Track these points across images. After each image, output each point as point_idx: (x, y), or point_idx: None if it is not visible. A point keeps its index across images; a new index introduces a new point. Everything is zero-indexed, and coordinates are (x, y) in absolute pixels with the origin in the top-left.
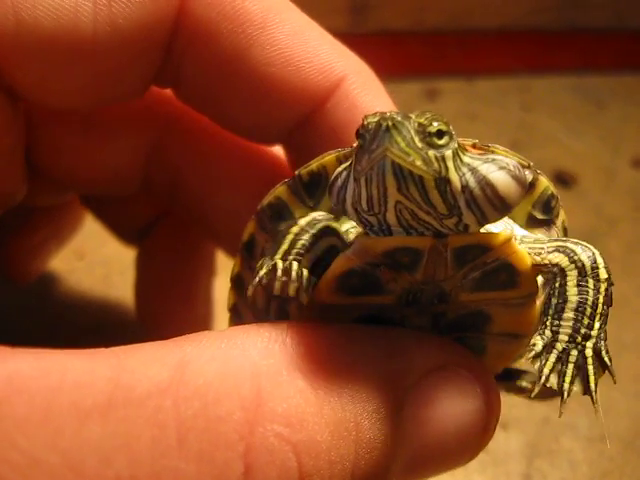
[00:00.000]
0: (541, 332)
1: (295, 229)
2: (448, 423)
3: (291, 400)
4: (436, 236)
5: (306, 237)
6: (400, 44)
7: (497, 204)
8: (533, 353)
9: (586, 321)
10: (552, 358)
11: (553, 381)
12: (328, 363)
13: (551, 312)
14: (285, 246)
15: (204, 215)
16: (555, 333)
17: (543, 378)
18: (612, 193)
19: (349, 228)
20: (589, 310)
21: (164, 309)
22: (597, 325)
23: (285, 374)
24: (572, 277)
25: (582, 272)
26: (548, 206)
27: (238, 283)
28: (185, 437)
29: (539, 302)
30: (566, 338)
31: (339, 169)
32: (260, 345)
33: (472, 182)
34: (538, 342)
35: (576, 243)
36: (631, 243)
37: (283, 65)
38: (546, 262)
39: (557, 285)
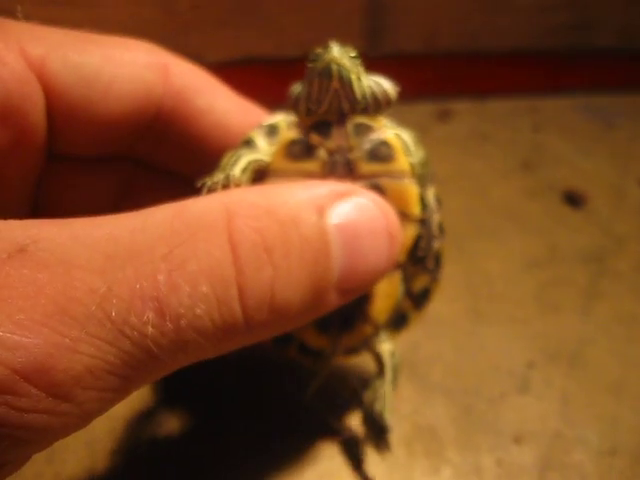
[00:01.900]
0: None
1: (229, 152)
2: (361, 230)
3: (248, 208)
4: (340, 116)
5: (235, 153)
6: (413, 67)
7: (385, 99)
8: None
9: None
10: None
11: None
12: (271, 190)
13: None
14: (222, 165)
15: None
16: None
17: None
18: (621, 212)
19: (263, 144)
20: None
21: None
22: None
23: (241, 200)
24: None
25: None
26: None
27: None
28: (194, 232)
29: (415, 189)
30: None
31: (294, 86)
32: (223, 192)
33: (372, 84)
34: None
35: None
36: None
37: (238, 111)
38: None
39: None
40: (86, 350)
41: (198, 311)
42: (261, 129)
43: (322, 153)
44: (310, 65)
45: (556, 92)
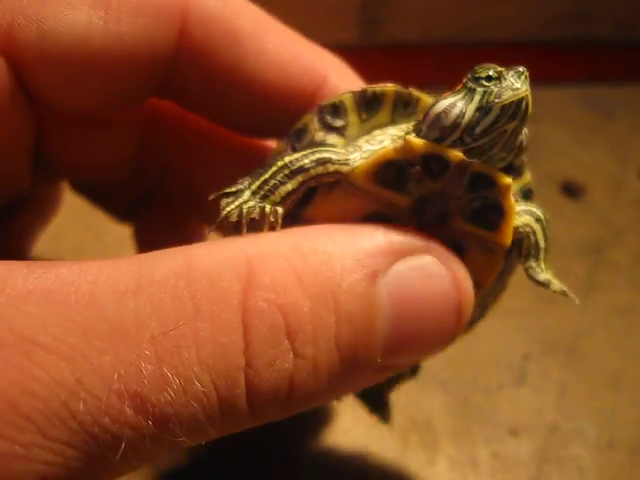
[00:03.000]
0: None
1: (280, 163)
2: (422, 303)
3: (275, 274)
4: (465, 158)
5: (289, 179)
6: (410, 57)
7: (523, 150)
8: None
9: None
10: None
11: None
12: (305, 242)
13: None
14: (263, 178)
15: (191, 195)
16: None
17: None
18: (619, 203)
19: (355, 156)
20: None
21: None
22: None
23: (270, 256)
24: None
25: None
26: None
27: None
28: (199, 305)
29: (502, 265)
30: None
31: (450, 101)
32: (252, 239)
33: (526, 130)
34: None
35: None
36: (637, 253)
37: (274, 70)
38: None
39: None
40: (42, 457)
41: (191, 409)
42: (323, 111)
43: (417, 189)
44: (483, 90)
45: (555, 83)
